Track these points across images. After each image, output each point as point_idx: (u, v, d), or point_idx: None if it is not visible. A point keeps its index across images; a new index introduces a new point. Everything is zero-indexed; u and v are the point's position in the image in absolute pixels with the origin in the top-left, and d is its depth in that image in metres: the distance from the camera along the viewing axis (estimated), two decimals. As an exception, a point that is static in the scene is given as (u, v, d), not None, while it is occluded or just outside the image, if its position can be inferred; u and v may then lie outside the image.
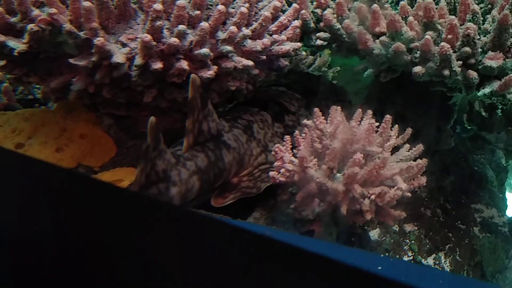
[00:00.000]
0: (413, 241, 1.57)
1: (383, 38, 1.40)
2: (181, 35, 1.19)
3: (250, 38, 1.32)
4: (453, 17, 1.35)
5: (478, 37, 1.35)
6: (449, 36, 1.34)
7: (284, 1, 1.50)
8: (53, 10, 1.13)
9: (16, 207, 0.43)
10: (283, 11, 1.48)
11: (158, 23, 1.16)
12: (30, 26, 1.14)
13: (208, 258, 0.38)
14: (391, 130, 1.24)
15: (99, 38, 1.14)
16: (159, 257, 0.38)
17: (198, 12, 1.24)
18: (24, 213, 0.42)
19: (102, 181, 0.40)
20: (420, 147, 1.24)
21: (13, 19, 1.18)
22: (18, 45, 1.17)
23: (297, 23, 1.46)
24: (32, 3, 1.18)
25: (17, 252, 0.39)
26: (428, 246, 1.59)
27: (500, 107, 1.76)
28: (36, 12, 1.16)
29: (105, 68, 1.19)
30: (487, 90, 1.37)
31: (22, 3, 1.16)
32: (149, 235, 0.39)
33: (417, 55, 1.38)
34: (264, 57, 1.37)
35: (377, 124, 1.20)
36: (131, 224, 0.39)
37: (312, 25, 1.57)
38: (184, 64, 1.20)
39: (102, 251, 0.38)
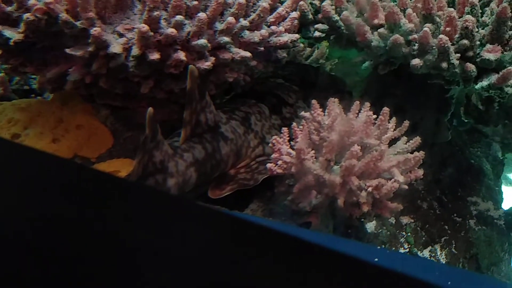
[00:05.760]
0: (409, 234, 1.57)
1: (381, 30, 1.40)
2: (179, 26, 1.18)
3: (248, 29, 1.31)
4: (452, 9, 1.34)
5: (477, 29, 1.35)
6: (448, 29, 1.33)
7: (282, -8, 1.49)
8: (50, 0, 1.12)
9: (15, 197, 0.43)
10: (282, 2, 1.47)
11: (156, 13, 1.15)
12: (26, 15, 1.13)
13: (207, 249, 0.38)
14: (389, 122, 1.24)
15: (95, 28, 1.13)
16: (157, 246, 0.38)
17: (195, 2, 1.23)
18: (23, 203, 0.42)
19: (101, 171, 0.40)
20: (417, 140, 1.24)
21: (9, 8, 1.17)
22: (14, 34, 1.16)
23: (295, 14, 1.45)
24: (28, -8, 1.17)
25: (19, 241, 0.38)
26: (424, 238, 1.60)
27: (497, 100, 1.75)
28: (32, 1, 1.14)
29: (101, 59, 1.18)
30: (484, 83, 1.37)
31: (18, -8, 1.15)
32: (148, 225, 0.39)
33: (416, 47, 1.38)
34: (262, 48, 1.36)
35: (375, 116, 1.20)
36: (131, 215, 0.39)
37: (310, 16, 1.57)
38: (181, 55, 1.19)
39: (102, 240, 0.38)
